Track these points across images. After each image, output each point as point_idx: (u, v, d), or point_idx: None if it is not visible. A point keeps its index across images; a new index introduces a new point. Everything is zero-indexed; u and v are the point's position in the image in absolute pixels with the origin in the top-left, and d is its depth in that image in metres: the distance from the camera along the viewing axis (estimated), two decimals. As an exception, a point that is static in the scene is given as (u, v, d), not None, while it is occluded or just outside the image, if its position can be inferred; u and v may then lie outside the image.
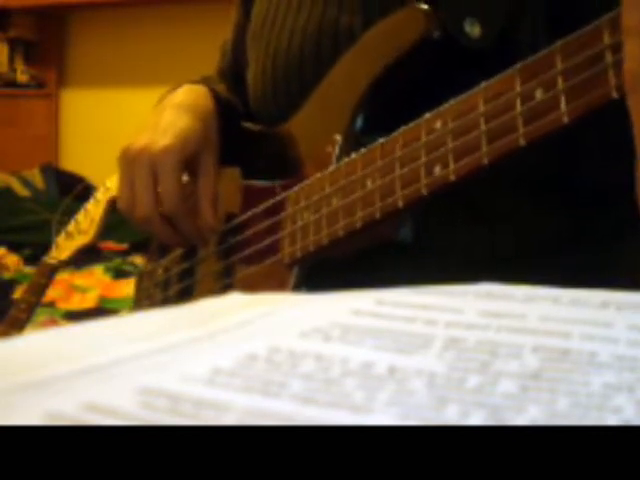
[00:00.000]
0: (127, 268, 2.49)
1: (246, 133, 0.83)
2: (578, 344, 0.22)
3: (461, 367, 0.21)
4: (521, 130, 0.53)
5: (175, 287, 0.88)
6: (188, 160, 0.76)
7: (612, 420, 0.18)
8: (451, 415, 0.18)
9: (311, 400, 0.19)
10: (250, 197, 0.79)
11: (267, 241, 0.74)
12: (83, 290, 2.37)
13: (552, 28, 0.54)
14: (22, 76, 3.50)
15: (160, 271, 0.91)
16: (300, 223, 0.70)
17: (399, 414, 0.18)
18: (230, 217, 0.81)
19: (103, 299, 2.31)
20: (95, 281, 2.44)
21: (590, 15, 0.49)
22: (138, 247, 2.54)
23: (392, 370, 0.21)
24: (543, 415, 0.18)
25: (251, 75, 0.82)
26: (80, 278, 2.43)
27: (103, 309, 2.23)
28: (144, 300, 0.94)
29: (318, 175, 0.69)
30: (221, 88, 0.87)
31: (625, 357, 0.21)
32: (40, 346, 0.24)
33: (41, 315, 2.08)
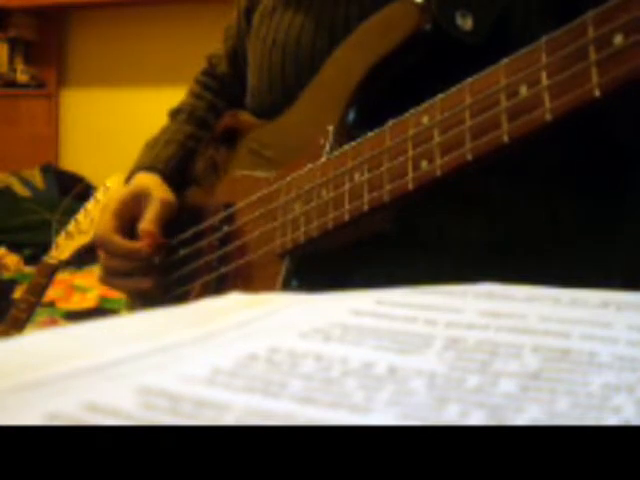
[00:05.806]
0: (127, 268, 2.49)
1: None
2: (578, 344, 0.22)
3: (461, 367, 0.21)
4: (505, 127, 0.53)
5: (174, 275, 0.88)
6: (126, 223, 0.86)
7: (612, 420, 0.18)
8: (451, 415, 0.18)
9: (311, 400, 0.19)
10: (246, 188, 0.80)
11: (259, 231, 0.74)
12: (83, 290, 2.37)
13: (545, 21, 0.53)
14: (22, 76, 3.50)
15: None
16: (291, 214, 0.70)
17: (399, 414, 0.18)
18: (227, 206, 0.81)
19: (103, 299, 2.31)
20: (95, 281, 2.43)
21: (583, 8, 0.49)
22: (138, 247, 2.54)
23: (392, 370, 0.21)
24: (543, 415, 0.18)
25: (250, 71, 0.82)
26: (80, 278, 2.43)
27: (103, 309, 2.23)
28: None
29: (309, 166, 0.69)
30: (188, 129, 0.93)
31: (625, 357, 0.21)
32: (40, 346, 0.24)
33: (41, 315, 2.08)
